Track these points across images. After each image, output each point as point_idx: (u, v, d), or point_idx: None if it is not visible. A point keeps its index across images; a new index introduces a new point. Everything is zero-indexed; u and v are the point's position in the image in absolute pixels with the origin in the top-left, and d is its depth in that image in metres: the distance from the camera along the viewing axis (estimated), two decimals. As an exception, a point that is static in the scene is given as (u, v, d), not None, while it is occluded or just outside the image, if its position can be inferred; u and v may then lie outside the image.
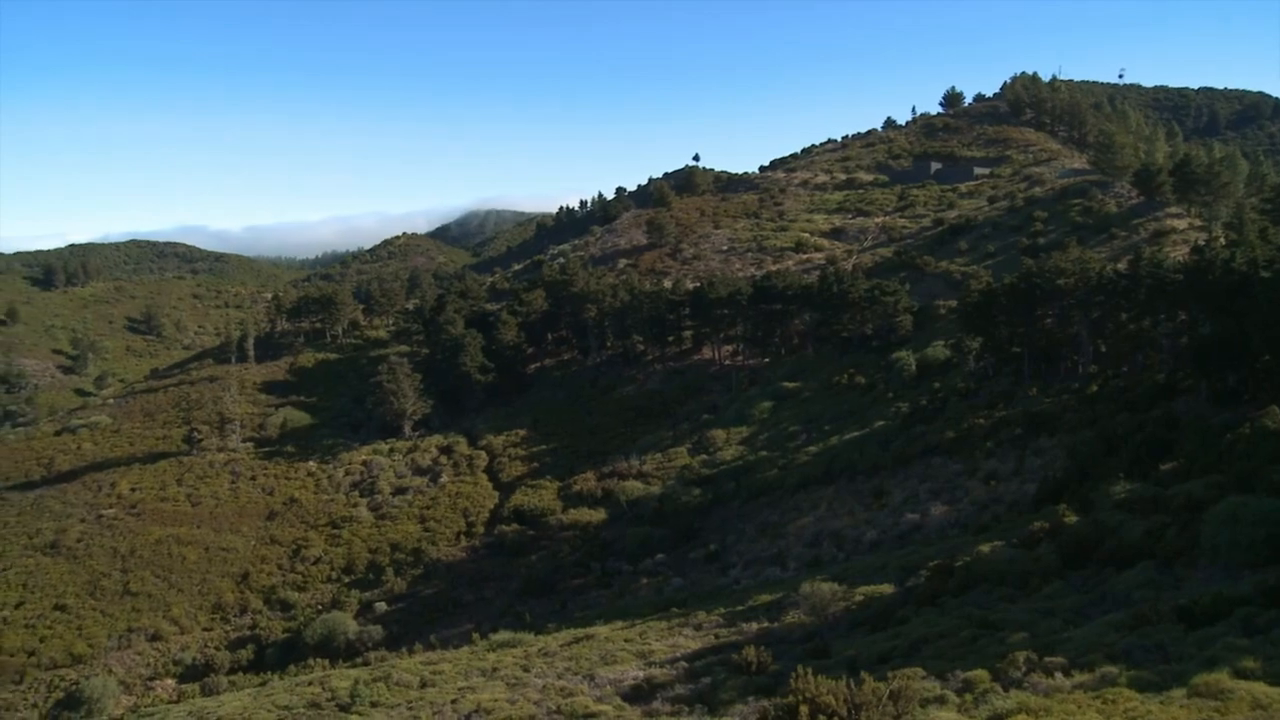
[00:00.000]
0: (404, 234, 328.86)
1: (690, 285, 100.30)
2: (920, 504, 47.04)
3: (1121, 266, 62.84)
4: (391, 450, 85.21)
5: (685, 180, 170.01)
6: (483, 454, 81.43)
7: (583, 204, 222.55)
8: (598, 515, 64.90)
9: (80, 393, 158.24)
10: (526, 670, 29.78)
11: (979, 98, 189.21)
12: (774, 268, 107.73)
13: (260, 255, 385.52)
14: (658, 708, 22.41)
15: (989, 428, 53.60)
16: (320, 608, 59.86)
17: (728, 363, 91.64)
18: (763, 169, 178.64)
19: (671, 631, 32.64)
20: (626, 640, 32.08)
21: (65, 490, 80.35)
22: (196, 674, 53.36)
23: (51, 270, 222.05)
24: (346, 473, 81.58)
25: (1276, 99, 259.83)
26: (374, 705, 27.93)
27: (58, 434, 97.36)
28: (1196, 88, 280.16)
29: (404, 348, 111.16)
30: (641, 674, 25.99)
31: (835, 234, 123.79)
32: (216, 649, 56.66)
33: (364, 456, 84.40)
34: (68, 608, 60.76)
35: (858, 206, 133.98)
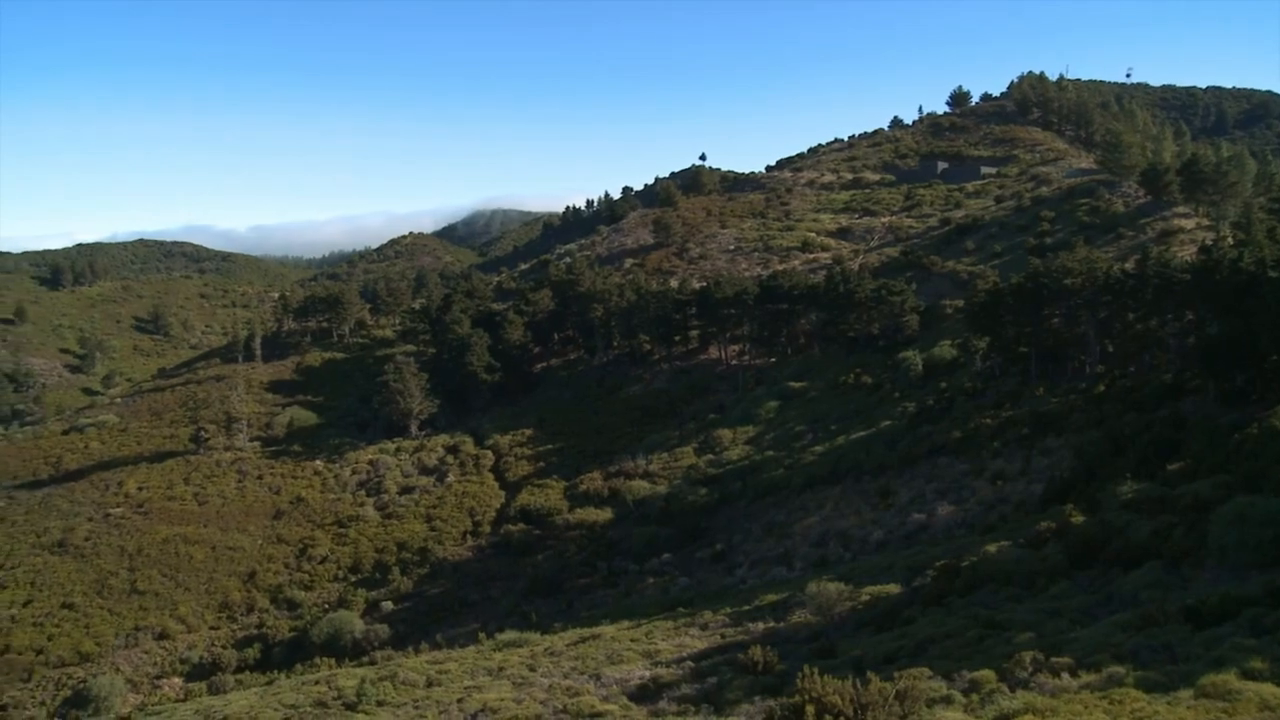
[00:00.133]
0: (410, 233, 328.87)
1: (697, 285, 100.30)
2: (927, 504, 46.97)
3: (1129, 266, 62.66)
4: (398, 450, 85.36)
5: (692, 180, 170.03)
6: (489, 453, 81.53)
7: (589, 203, 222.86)
8: (604, 515, 64.91)
9: (88, 392, 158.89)
10: (532, 670, 29.80)
11: (986, 97, 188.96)
12: (780, 267, 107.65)
13: (267, 255, 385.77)
14: (664, 707, 22.40)
15: (996, 428, 53.51)
16: (327, 607, 60.01)
17: (734, 362, 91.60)
18: (769, 169, 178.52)
19: (678, 631, 32.65)
20: (633, 640, 32.08)
21: (73, 489, 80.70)
22: (203, 672, 53.53)
23: (59, 270, 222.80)
24: (353, 472, 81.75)
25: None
26: (380, 704, 27.96)
27: (65, 433, 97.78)
28: (1204, 87, 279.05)
29: (410, 347, 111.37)
30: (648, 674, 25.99)
31: (842, 234, 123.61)
32: (223, 648, 56.83)
33: (370, 456, 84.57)
34: (75, 606, 61.03)
35: (864, 206, 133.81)
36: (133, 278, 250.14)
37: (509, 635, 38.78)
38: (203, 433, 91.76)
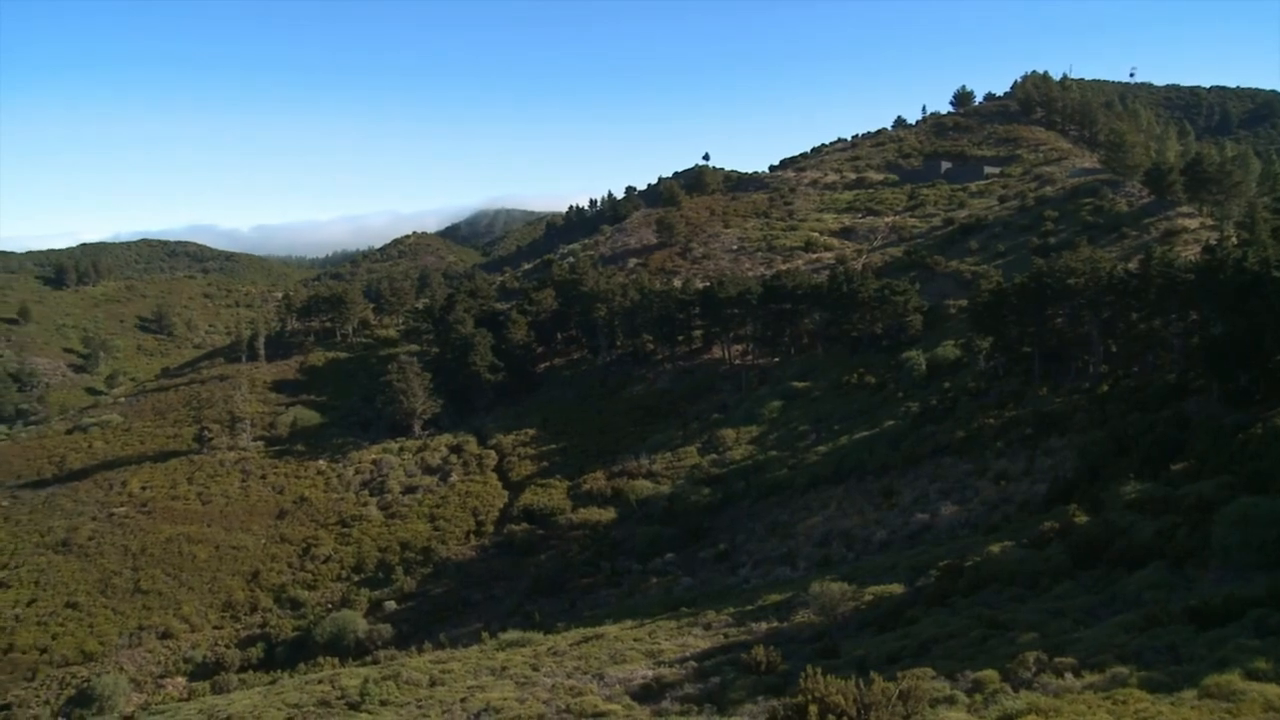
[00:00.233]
0: (414, 233, 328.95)
1: (700, 285, 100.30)
2: (930, 504, 46.93)
3: (1132, 266, 62.55)
4: (401, 449, 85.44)
5: (695, 179, 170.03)
6: (492, 453, 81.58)
7: (592, 203, 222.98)
8: (607, 514, 64.93)
9: (91, 391, 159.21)
10: (535, 669, 29.81)
11: (989, 97, 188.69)
12: (784, 267, 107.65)
13: (270, 254, 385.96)
14: (667, 707, 22.39)
15: (999, 428, 53.47)
16: (330, 606, 60.08)
17: (737, 362, 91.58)
18: (773, 168, 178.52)
19: (681, 631, 32.65)
20: (636, 639, 32.08)
21: (77, 488, 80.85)
22: (207, 672, 53.56)
23: (63, 269, 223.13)
24: (356, 471, 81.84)
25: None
26: (383, 704, 27.99)
27: (69, 432, 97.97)
28: (1208, 86, 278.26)
29: (414, 347, 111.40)
30: (651, 673, 25.98)
31: (845, 233, 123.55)
32: (227, 647, 56.91)
33: (374, 455, 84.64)
34: (79, 605, 61.16)
35: (868, 206, 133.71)
36: (136, 277, 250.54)
37: (512, 635, 38.79)
38: (206, 432, 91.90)
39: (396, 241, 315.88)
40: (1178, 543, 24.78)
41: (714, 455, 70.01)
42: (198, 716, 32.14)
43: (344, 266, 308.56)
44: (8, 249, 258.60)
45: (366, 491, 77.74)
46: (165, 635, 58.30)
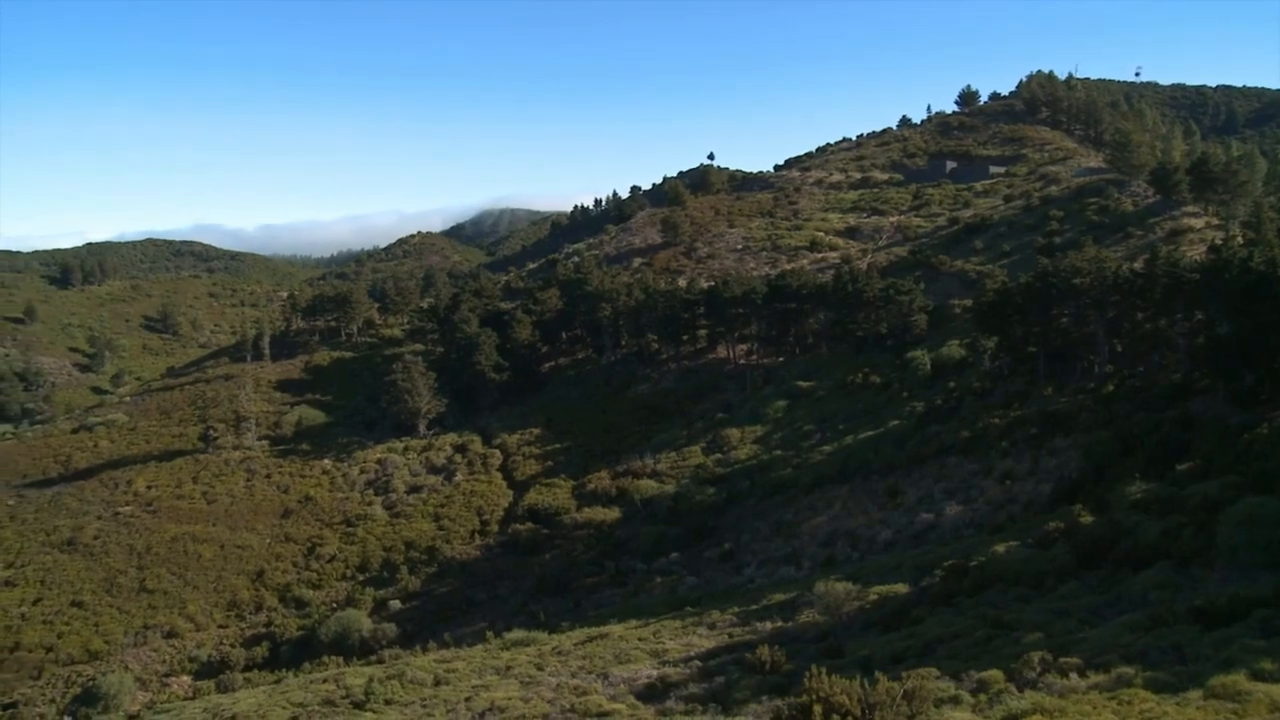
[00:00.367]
0: (419, 233, 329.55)
1: (705, 284, 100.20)
2: (935, 504, 46.87)
3: (1138, 266, 62.39)
4: (406, 449, 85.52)
5: (700, 179, 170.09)
6: (497, 453, 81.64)
7: (597, 203, 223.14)
8: (612, 514, 64.94)
9: (97, 391, 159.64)
10: (540, 669, 29.83)
11: (994, 96, 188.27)
12: (789, 267, 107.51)
13: (275, 254, 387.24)
14: (671, 706, 22.39)
15: (1004, 427, 53.35)
16: (335, 605, 60.16)
17: (742, 362, 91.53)
18: (777, 168, 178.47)
19: (685, 630, 32.64)
20: (640, 639, 32.08)
21: (82, 488, 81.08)
22: (212, 671, 53.72)
23: (69, 269, 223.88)
24: (361, 471, 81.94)
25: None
26: (388, 703, 28.03)
27: (75, 432, 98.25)
28: (1214, 86, 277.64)
29: (419, 346, 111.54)
30: (655, 673, 25.98)
31: (850, 233, 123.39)
32: (232, 646, 57.03)
33: (379, 455, 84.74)
34: (85, 604, 61.30)
35: (873, 205, 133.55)
36: (142, 277, 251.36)
37: (516, 634, 38.82)
38: (211, 432, 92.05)
39: (401, 241, 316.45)
40: (1183, 543, 24.73)
41: (719, 455, 69.98)
42: (203, 715, 32.23)
43: (349, 266, 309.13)
44: (13, 249, 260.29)
45: (371, 491, 77.84)
46: (170, 634, 58.41)
